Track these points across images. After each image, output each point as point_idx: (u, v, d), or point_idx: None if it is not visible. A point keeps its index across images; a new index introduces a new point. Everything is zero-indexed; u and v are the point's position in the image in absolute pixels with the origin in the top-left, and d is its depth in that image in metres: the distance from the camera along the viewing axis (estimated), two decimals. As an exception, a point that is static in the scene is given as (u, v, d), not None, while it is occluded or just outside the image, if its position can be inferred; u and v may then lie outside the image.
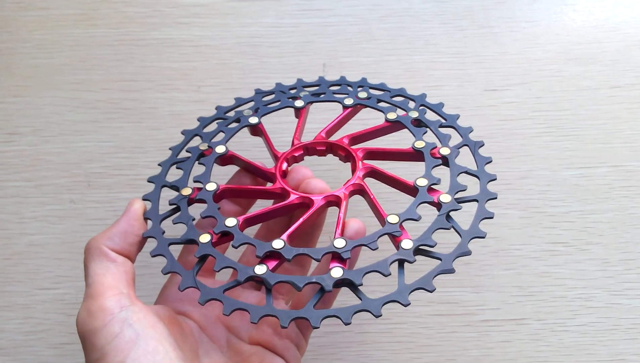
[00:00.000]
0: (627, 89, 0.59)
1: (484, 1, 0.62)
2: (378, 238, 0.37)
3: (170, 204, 0.42)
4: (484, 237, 0.39)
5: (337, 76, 0.53)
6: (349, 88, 0.51)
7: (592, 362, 0.50)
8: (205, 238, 0.39)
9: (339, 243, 0.37)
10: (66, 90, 0.59)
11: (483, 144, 0.44)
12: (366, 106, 0.48)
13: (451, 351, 0.50)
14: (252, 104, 0.50)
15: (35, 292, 0.53)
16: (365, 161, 0.44)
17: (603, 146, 0.57)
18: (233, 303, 0.36)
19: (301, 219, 0.40)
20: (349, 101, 0.48)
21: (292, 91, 0.51)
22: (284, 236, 0.38)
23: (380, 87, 0.50)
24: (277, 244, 0.37)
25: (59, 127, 0.58)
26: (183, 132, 0.48)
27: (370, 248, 0.37)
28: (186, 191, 0.42)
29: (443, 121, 0.46)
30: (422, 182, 0.40)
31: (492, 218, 0.40)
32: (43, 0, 0.62)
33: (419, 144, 0.43)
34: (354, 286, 0.36)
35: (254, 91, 0.51)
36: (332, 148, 0.46)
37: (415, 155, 0.43)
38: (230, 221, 0.39)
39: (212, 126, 0.49)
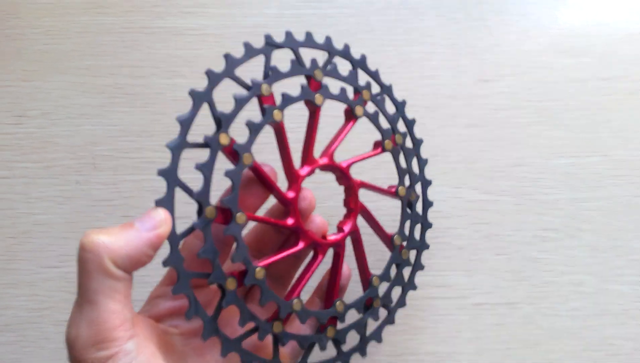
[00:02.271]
0: (615, 81, 0.52)
1: (478, -5, 0.56)
2: (365, 301, 0.38)
3: (194, 227, 0.31)
4: (415, 289, 0.41)
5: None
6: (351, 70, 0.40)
7: (582, 345, 0.44)
8: (232, 284, 0.32)
9: (340, 307, 0.37)
10: (74, 75, 0.53)
11: (430, 184, 0.44)
12: (371, 121, 0.40)
13: (444, 333, 0.45)
14: (263, 59, 0.36)
15: (40, 270, 0.47)
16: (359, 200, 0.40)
17: (593, 136, 0.51)
18: (249, 356, 0.33)
19: (309, 272, 0.37)
20: (359, 111, 0.39)
21: (307, 65, 0.37)
22: (298, 292, 0.35)
23: (375, 75, 0.42)
24: (297, 305, 0.35)
25: (67, 110, 0.52)
26: (191, 94, 0.32)
27: (358, 312, 0.38)
28: (211, 213, 0.31)
29: (414, 149, 0.43)
30: (398, 240, 0.40)
31: (422, 269, 0.42)
32: (53, -12, 0.55)
33: (402, 192, 0.41)
34: (339, 344, 0.38)
35: (264, 39, 0.37)
36: (341, 173, 0.39)
37: (396, 196, 0.41)
38: (260, 273, 0.32)
39: (224, 93, 0.34)
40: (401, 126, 0.43)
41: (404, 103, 0.43)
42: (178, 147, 0.31)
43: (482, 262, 0.46)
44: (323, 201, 0.47)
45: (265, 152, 0.38)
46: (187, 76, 0.53)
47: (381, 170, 0.46)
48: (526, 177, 0.49)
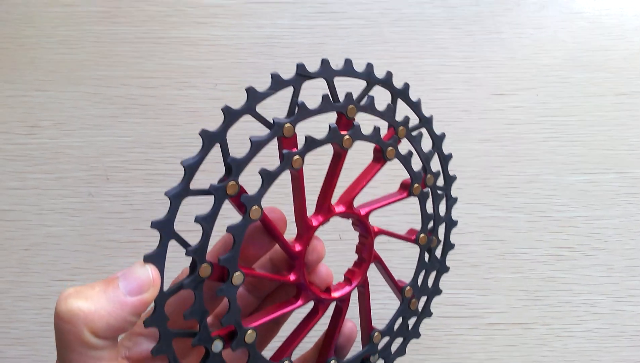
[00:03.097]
0: (632, 97, 0.50)
1: (493, 7, 0.53)
2: (361, 359, 0.34)
3: (183, 286, 0.26)
4: (418, 337, 0.37)
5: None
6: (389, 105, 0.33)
7: (597, 368, 0.42)
8: (217, 346, 0.28)
9: None
10: (87, 85, 0.51)
11: (456, 224, 0.38)
12: (402, 164, 0.34)
13: (458, 354, 0.43)
14: (289, 91, 0.30)
15: (51, 283, 0.45)
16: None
17: (609, 153, 0.48)
18: None
19: (306, 330, 0.32)
20: (390, 154, 0.32)
21: (340, 99, 0.31)
22: (290, 352, 0.31)
23: (416, 106, 0.35)
24: None
25: (80, 121, 0.50)
26: (202, 135, 0.26)
27: None
28: (205, 272, 0.26)
29: (443, 191, 0.37)
30: (409, 292, 0.35)
31: (430, 316, 0.37)
32: (67, -2, 0.53)
33: (422, 240, 0.35)
34: None
35: (295, 67, 0.29)
36: (359, 221, 0.33)
37: (414, 242, 0.35)
38: (251, 336, 0.28)
39: (238, 132, 0.28)
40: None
41: (442, 136, 0.37)
42: (178, 196, 0.25)
43: (497, 281, 0.44)
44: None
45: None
46: (199, 87, 0.51)
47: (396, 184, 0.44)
48: (540, 194, 0.47)
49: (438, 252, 0.37)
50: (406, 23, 0.54)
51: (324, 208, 0.31)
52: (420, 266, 0.35)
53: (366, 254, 0.33)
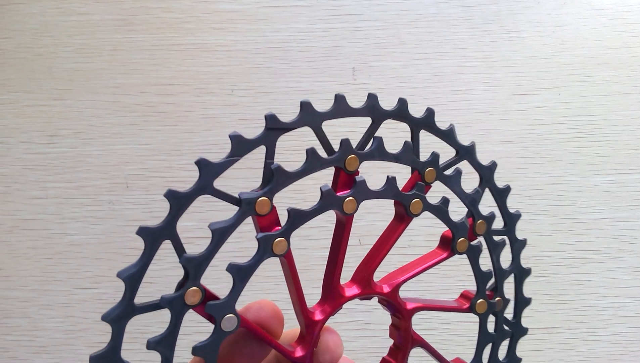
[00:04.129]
0: (658, 94, 0.50)
1: (512, 6, 0.54)
2: None
3: None
4: None
5: (367, 80, 0.44)
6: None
7: (625, 372, 0.43)
8: None
9: None
10: (105, 93, 0.52)
11: (529, 274, 0.30)
12: (437, 216, 0.26)
13: (481, 359, 0.43)
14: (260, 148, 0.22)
15: (75, 291, 0.47)
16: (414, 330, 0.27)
17: (634, 152, 0.48)
18: None
19: None
20: (416, 208, 0.25)
21: (333, 152, 0.23)
22: None
23: (448, 136, 0.27)
24: None
25: (99, 130, 0.51)
26: (140, 234, 0.20)
27: None
28: None
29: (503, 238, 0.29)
30: None
31: None
32: (83, 6, 0.55)
33: (481, 307, 0.27)
34: None
35: (263, 120, 0.22)
36: (385, 300, 0.26)
37: (470, 312, 0.28)
38: None
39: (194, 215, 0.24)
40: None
41: (492, 167, 0.28)
42: (120, 319, 0.19)
43: (520, 285, 0.45)
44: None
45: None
46: (217, 93, 0.53)
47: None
48: (565, 196, 0.47)
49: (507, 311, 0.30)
50: (423, 24, 0.54)
51: (332, 293, 0.24)
52: (484, 340, 0.28)
53: (402, 339, 0.26)
